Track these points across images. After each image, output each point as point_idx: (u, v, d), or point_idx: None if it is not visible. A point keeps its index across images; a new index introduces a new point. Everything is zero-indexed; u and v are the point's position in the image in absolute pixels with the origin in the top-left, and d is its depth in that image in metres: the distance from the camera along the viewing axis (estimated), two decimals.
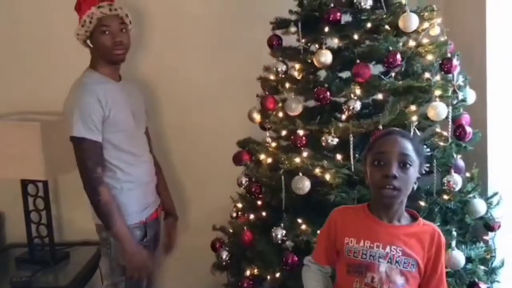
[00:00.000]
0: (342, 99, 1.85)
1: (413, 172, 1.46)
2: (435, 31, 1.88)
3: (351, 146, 1.75)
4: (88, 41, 2.04)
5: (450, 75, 1.86)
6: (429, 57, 1.88)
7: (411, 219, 1.55)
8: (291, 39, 2.06)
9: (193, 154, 2.64)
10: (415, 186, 1.50)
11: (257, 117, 2.10)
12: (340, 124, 1.78)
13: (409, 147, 1.47)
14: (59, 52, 2.50)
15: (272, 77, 2.08)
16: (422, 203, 1.80)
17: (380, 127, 1.72)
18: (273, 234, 1.84)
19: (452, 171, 1.74)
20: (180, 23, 2.54)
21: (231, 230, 2.17)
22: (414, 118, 1.75)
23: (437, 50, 1.87)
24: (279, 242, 1.85)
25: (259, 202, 2.05)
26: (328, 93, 1.78)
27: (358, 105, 1.76)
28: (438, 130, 1.93)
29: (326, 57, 1.80)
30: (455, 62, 1.83)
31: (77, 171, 2.02)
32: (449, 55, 1.85)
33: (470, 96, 1.92)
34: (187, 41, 2.56)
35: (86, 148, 1.96)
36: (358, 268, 1.48)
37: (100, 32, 2.01)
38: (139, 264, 2.05)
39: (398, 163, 1.44)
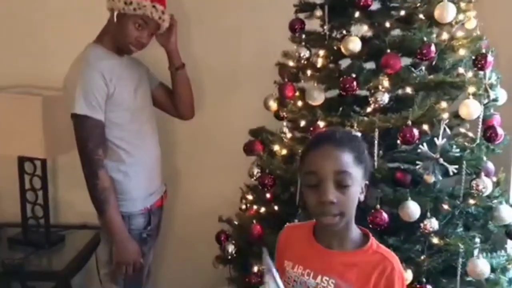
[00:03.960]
0: (365, 92, 1.75)
1: (356, 189, 1.21)
2: (471, 24, 1.77)
3: (376, 141, 1.64)
4: (115, 14, 1.89)
5: (482, 73, 1.75)
6: (462, 52, 1.77)
7: (360, 242, 1.27)
8: (312, 25, 1.95)
9: (202, 143, 2.51)
10: (362, 197, 1.25)
11: (273, 105, 1.98)
12: (365, 118, 1.67)
13: (347, 159, 1.19)
14: (64, 24, 2.35)
15: (291, 63, 1.96)
16: (446, 207, 1.69)
17: (409, 122, 1.61)
18: None
19: (482, 174, 1.63)
20: (191, 6, 2.41)
21: (236, 223, 2.06)
22: (445, 115, 1.63)
23: (471, 45, 1.75)
24: None
25: (268, 195, 1.94)
26: (355, 83, 1.66)
27: (386, 98, 1.64)
28: (462, 130, 1.83)
29: (355, 44, 1.67)
30: (490, 58, 1.72)
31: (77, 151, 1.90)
32: (484, 50, 1.73)
33: (501, 96, 1.82)
34: (197, 26, 2.42)
35: (88, 127, 1.84)
36: None
37: (134, 22, 1.87)
38: (128, 258, 1.93)
39: (335, 184, 1.18)
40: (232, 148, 2.12)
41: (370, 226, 1.60)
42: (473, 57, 1.73)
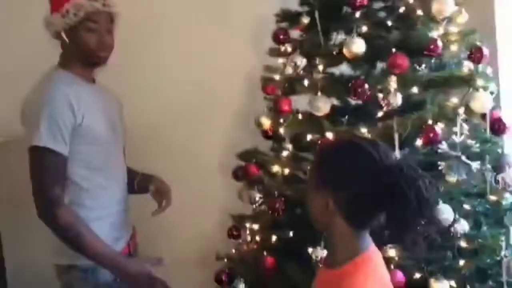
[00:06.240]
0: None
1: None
2: (463, 18, 1.74)
3: (397, 146, 1.53)
4: (64, 34, 1.63)
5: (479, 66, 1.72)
6: (454, 47, 1.73)
7: (350, 258, 1.08)
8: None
9: (171, 177, 2.26)
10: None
11: (266, 122, 1.82)
12: (379, 123, 1.55)
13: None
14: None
15: (277, 77, 1.83)
16: (467, 207, 1.61)
17: (430, 121, 1.52)
18: (313, 256, 1.54)
19: (507, 167, 1.58)
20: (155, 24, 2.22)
21: (240, 258, 1.85)
22: (461, 110, 1.57)
23: (464, 39, 1.72)
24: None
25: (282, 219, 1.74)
26: (366, 86, 1.55)
27: (399, 99, 1.54)
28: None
29: (359, 45, 1.57)
30: (486, 51, 1.69)
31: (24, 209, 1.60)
32: (478, 43, 1.70)
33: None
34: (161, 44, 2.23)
35: (47, 161, 1.54)
36: None
37: (85, 29, 1.62)
38: (137, 275, 1.61)
39: None
40: (203, 179, 2.02)
41: None
42: (468, 51, 1.70)
